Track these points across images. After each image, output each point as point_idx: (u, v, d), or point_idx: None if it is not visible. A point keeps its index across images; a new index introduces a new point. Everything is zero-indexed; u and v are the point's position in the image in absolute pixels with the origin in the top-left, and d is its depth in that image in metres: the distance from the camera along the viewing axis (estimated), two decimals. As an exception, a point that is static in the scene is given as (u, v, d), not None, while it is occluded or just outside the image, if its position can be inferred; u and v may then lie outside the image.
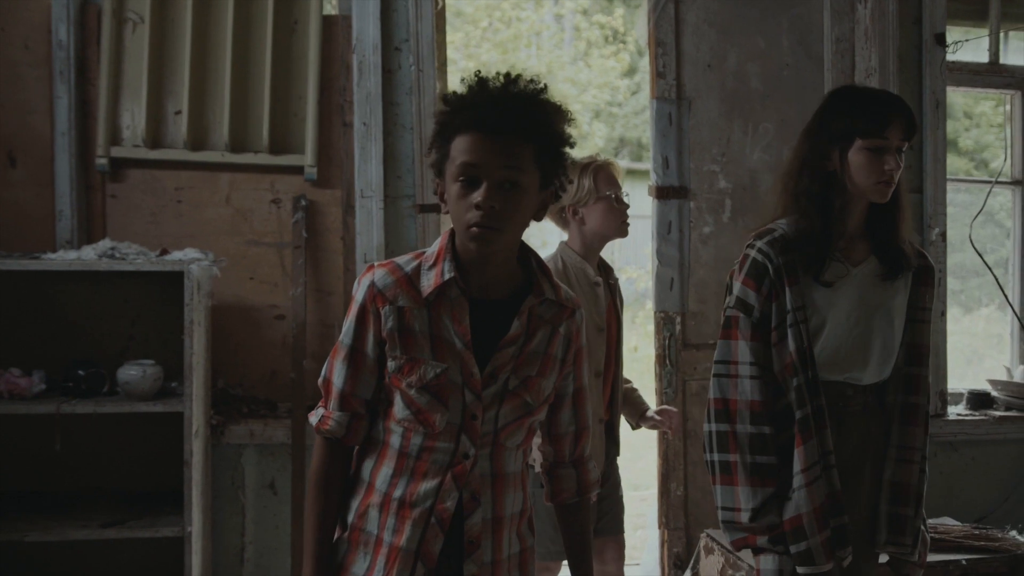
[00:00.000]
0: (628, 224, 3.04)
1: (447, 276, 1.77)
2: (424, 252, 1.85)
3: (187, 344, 3.05)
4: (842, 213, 2.32)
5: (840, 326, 2.32)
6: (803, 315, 2.28)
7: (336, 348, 1.84)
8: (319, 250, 3.57)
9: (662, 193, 3.85)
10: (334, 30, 3.60)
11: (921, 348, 2.44)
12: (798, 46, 3.97)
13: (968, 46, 4.19)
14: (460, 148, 1.72)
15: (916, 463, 2.40)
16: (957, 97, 4.98)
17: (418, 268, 1.81)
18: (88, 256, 3.08)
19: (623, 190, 3.04)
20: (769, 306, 2.28)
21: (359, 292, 1.82)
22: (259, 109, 3.50)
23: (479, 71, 1.78)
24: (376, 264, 1.85)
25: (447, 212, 1.80)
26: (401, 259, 1.84)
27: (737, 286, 2.33)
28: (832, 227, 2.31)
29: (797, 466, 2.25)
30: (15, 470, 3.33)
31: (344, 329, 1.84)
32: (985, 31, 4.23)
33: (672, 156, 3.81)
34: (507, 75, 1.76)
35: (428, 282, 1.78)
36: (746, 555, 3.24)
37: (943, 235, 4.00)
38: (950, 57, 4.07)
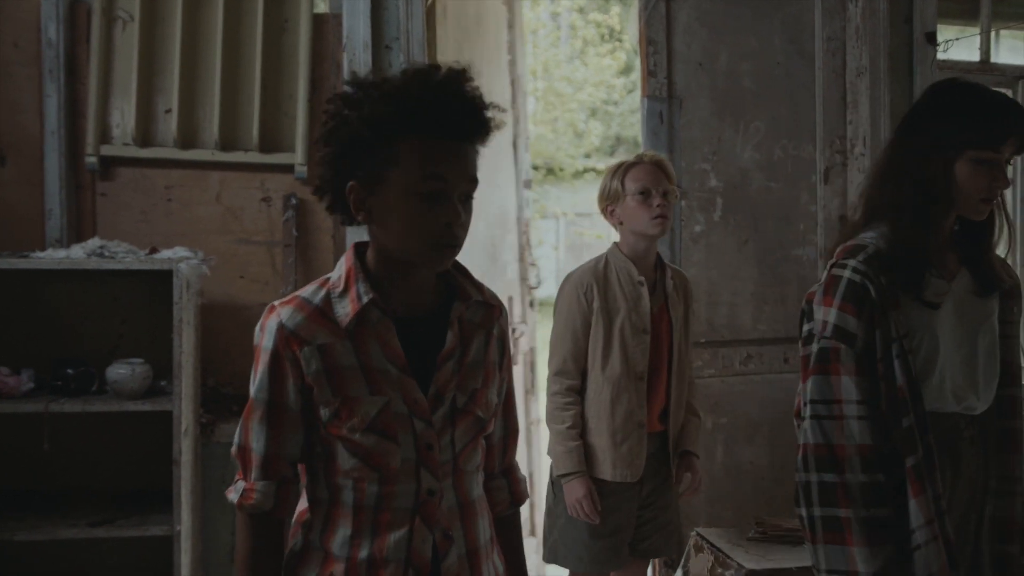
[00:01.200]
0: (662, 219, 2.99)
1: (365, 299, 1.58)
2: (328, 279, 1.65)
3: (176, 343, 3.04)
4: (939, 225, 2.08)
5: (949, 349, 2.06)
6: (909, 343, 2.02)
7: (249, 408, 1.61)
8: (309, 248, 3.57)
9: (653, 192, 3.85)
10: (324, 28, 3.60)
11: (1013, 366, 2.20)
12: (789, 45, 3.97)
13: (960, 45, 4.19)
14: (421, 156, 1.52)
15: (1019, 495, 2.15)
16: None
17: (327, 297, 1.61)
18: (77, 255, 3.08)
19: (664, 187, 3.01)
20: (872, 334, 2.00)
21: (266, 339, 1.58)
22: (249, 107, 3.50)
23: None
24: (277, 303, 1.62)
25: (361, 223, 1.61)
26: (304, 292, 1.63)
27: (832, 312, 2.02)
28: (931, 240, 2.06)
29: (918, 519, 1.96)
30: (3, 469, 3.33)
31: (255, 384, 1.60)
32: (977, 30, 4.23)
33: (663, 154, 3.81)
34: (453, 69, 1.57)
35: (344, 310, 1.58)
36: (736, 554, 3.25)
37: (934, 234, 4.01)
38: (941, 56, 4.07)
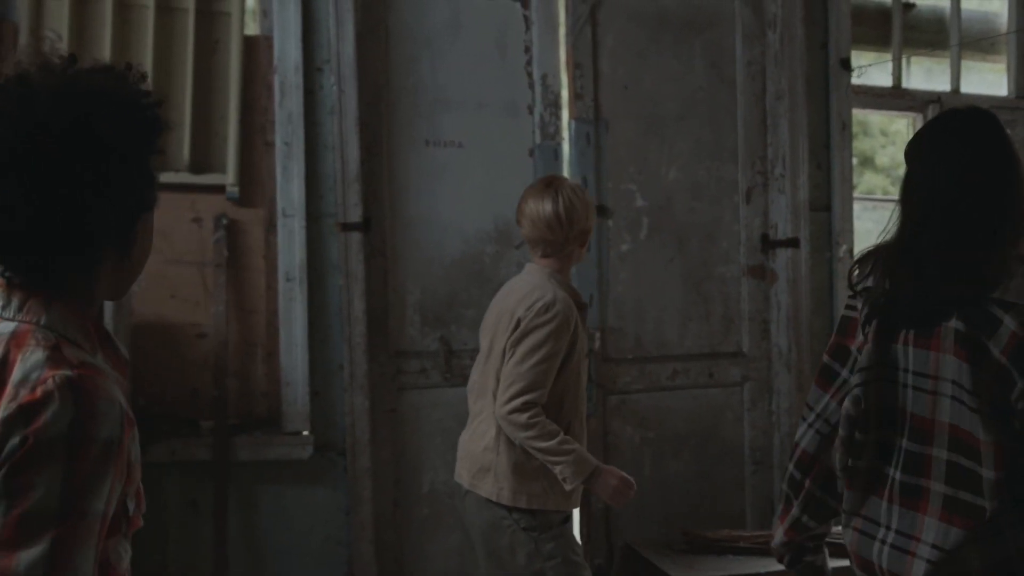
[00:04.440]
0: None
1: (127, 353, 1.38)
2: (61, 339, 1.26)
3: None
4: None
5: None
6: None
7: (73, 533, 1.13)
8: (241, 269, 3.58)
9: (581, 211, 3.93)
10: (256, 50, 3.62)
11: None
12: (711, 69, 4.10)
13: (873, 70, 4.37)
14: (154, 167, 1.40)
15: None
16: (875, 117, 5.20)
17: (95, 359, 1.29)
18: (4, 275, 3.05)
19: None
20: None
21: (103, 426, 1.17)
22: (180, 128, 3.49)
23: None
24: (72, 373, 1.19)
25: (118, 268, 1.38)
26: (74, 354, 1.24)
27: None
28: None
29: None
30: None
31: (89, 494, 1.16)
32: (889, 56, 4.41)
33: (591, 175, 3.90)
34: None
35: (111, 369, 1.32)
36: (664, 564, 3.32)
37: (851, 252, 4.16)
38: (856, 81, 4.24)
